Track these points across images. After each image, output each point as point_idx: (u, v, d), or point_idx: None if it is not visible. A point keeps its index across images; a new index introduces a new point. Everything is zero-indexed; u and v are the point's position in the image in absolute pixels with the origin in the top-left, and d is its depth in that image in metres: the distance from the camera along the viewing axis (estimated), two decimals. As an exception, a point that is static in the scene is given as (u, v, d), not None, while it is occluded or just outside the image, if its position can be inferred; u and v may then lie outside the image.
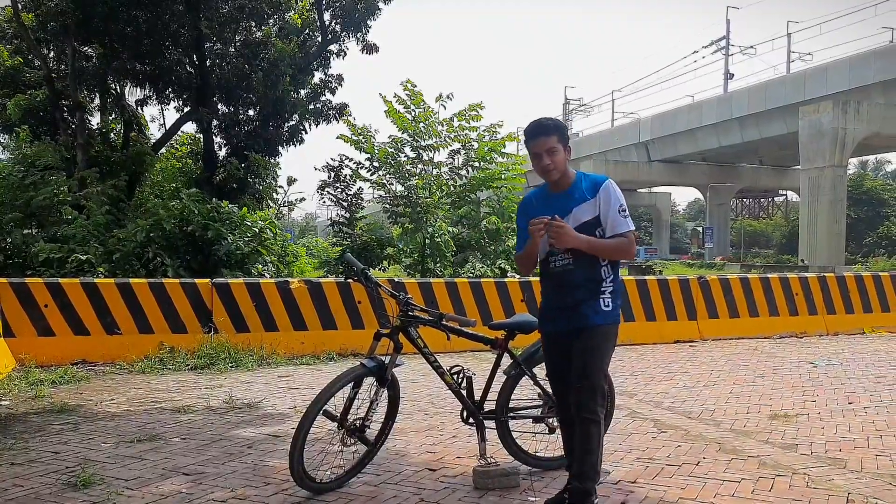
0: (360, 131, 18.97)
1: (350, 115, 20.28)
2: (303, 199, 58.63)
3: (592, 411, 5.01)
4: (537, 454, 6.20)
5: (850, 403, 8.76)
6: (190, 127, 26.57)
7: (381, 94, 18.75)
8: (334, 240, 22.68)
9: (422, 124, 18.40)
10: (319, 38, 24.28)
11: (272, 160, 25.51)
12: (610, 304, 5.20)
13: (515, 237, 5.63)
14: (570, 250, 5.13)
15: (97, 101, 25.09)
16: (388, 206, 19.66)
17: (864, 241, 63.26)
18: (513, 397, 6.06)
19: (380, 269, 19.55)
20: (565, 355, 5.20)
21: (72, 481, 5.79)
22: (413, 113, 18.45)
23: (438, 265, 17.76)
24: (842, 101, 43.85)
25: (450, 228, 17.98)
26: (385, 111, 18.54)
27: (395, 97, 18.47)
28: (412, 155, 18.88)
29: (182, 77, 22.81)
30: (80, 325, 11.08)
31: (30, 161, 19.44)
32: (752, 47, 74.59)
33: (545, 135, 5.15)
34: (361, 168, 19.55)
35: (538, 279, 5.56)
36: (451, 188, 19.10)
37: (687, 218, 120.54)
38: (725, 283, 14.50)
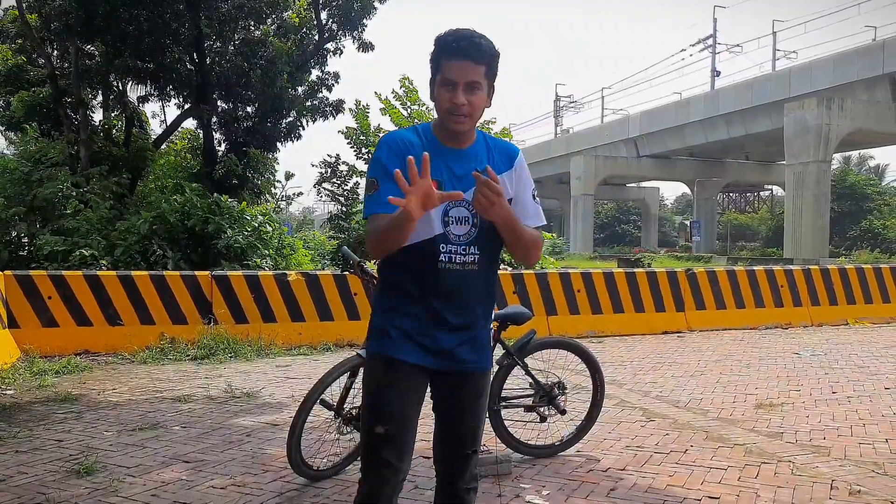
0: (366, 124, 18.91)
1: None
2: (300, 194, 58.83)
3: (477, 479, 3.63)
4: (529, 442, 6.21)
5: (833, 393, 8.77)
6: (190, 123, 26.63)
7: (376, 93, 18.78)
8: (331, 233, 22.68)
9: (416, 121, 18.37)
10: (316, 37, 24.27)
11: (270, 156, 25.56)
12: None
13: (369, 195, 3.33)
14: (477, 241, 3.33)
15: (100, 98, 25.09)
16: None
17: (847, 234, 63.33)
18: (505, 387, 6.06)
19: (375, 262, 19.52)
20: (419, 398, 3.48)
21: (75, 469, 5.78)
22: (409, 109, 18.42)
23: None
24: (826, 97, 43.85)
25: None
26: (381, 108, 18.54)
27: (392, 93, 18.46)
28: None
29: (182, 74, 22.75)
30: (83, 317, 11.06)
31: (35, 157, 19.44)
32: (738, 46, 75.13)
33: (473, 59, 3.21)
34: (360, 159, 19.54)
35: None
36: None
37: (675, 212, 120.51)
38: (712, 275, 14.51)
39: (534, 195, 3.51)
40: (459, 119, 3.24)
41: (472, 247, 3.31)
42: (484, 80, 3.25)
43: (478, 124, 3.37)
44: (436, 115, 3.37)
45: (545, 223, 3.65)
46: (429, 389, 3.53)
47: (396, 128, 18.22)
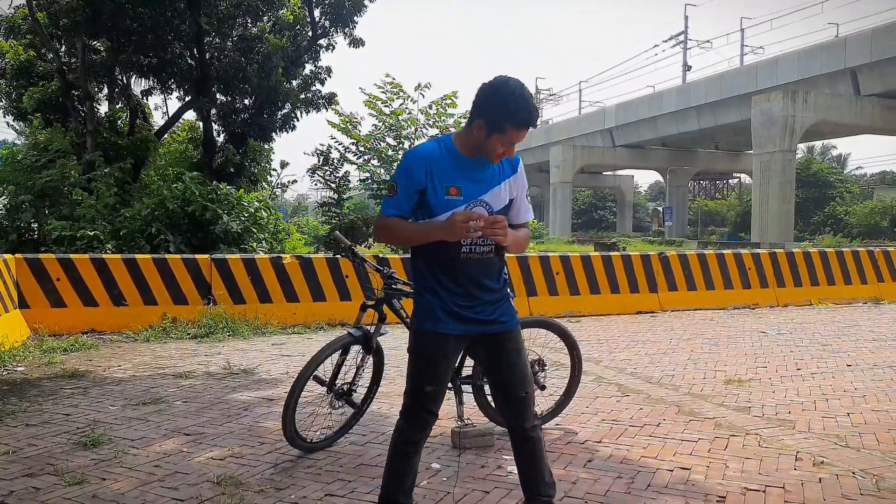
0: (347, 119, 18.96)
1: (338, 104, 20.14)
2: (294, 182, 58.55)
3: (538, 418, 4.31)
4: (511, 416, 6.20)
5: (798, 370, 8.79)
6: (191, 115, 26.45)
7: (361, 89, 18.81)
8: (323, 219, 22.61)
9: (401, 117, 18.43)
10: (310, 33, 24.18)
11: (266, 146, 25.44)
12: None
13: (388, 196, 3.87)
14: None
15: (105, 91, 24.91)
16: (372, 188, 19.70)
17: (811, 220, 63.45)
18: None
19: (365, 246, 19.50)
20: (456, 361, 4.23)
21: (82, 441, 5.77)
22: (391, 107, 18.52)
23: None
24: (791, 91, 43.93)
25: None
26: (364, 102, 18.62)
27: (374, 93, 18.53)
28: (394, 143, 18.90)
29: (183, 69, 22.64)
30: (90, 298, 11.03)
31: (42, 146, 19.38)
32: (708, 41, 75.30)
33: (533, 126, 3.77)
34: (348, 152, 19.54)
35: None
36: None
37: (648, 198, 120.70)
38: (684, 258, 14.52)
39: (527, 195, 4.07)
40: (499, 159, 3.79)
41: (487, 239, 3.74)
42: None
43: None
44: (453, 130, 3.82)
45: (533, 216, 4.16)
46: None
47: (379, 122, 18.45)
